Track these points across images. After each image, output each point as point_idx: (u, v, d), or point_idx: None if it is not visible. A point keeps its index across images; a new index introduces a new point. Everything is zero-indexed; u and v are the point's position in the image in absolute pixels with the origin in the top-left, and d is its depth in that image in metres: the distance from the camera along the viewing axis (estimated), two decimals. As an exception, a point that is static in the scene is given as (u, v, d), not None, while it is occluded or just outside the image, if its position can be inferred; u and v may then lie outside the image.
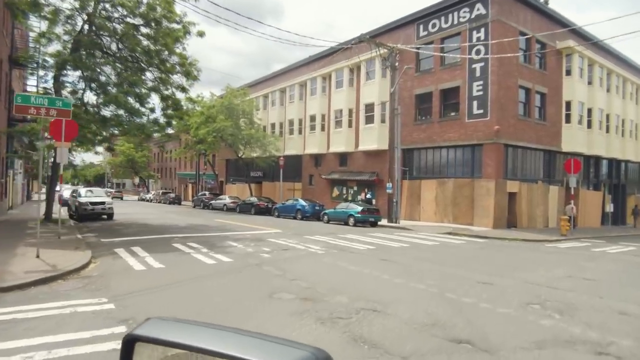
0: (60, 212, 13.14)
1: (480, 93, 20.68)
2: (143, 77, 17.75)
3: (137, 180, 73.28)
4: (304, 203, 25.16)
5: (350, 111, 28.17)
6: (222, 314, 5.51)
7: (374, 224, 20.85)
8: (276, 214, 26.67)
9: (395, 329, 4.96)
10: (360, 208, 20.94)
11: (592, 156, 25.86)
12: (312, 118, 31.49)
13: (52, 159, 17.52)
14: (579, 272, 9.21)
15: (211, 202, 34.89)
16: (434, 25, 23.21)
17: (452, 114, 22.37)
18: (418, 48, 23.44)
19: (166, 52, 17.18)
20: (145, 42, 16.82)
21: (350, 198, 27.42)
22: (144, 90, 17.41)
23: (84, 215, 19.92)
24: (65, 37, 16.34)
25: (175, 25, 16.74)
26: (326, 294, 6.55)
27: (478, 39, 20.84)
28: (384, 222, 21.25)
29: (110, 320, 5.13)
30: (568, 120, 23.86)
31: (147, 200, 51.50)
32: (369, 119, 26.27)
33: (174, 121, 20.30)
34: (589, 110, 24.98)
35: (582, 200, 24.32)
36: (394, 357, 4.12)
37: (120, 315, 5.32)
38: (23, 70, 25.47)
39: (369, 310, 5.65)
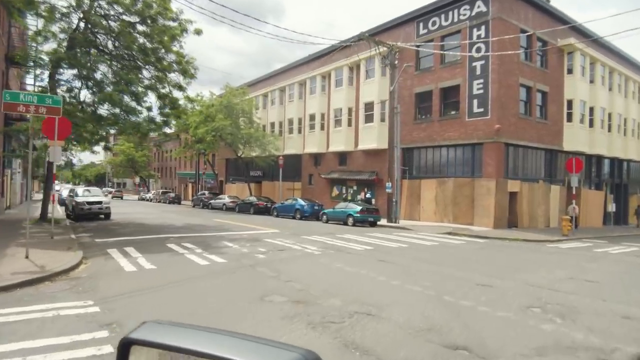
0: (54, 211, 12.96)
1: (481, 91, 20.46)
2: (140, 76, 17.58)
3: (137, 179, 73.20)
4: (303, 203, 24.97)
5: (349, 110, 27.95)
6: (209, 318, 5.31)
7: (373, 224, 20.64)
8: (275, 213, 26.49)
9: (389, 334, 4.76)
10: (359, 208, 20.74)
11: (594, 155, 25.60)
12: (312, 117, 31.28)
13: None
14: (581, 274, 8.99)
15: (210, 201, 34.74)
16: (434, 23, 22.98)
17: (453, 112, 22.15)
18: (418, 46, 23.22)
19: (163, 50, 17.00)
20: (141, 40, 16.63)
21: (349, 198, 27.22)
22: (140, 89, 17.23)
23: (80, 215, 19.75)
24: (62, 35, 16.18)
25: (171, 23, 16.55)
26: (320, 296, 6.35)
27: (478, 36, 20.60)
28: (383, 222, 21.04)
29: (93, 324, 4.95)
30: (570, 119, 23.60)
31: (147, 200, 51.45)
32: (369, 118, 26.06)
33: (172, 120, 20.11)
34: (591, 109, 24.72)
35: (583, 200, 24.07)
36: (386, 364, 3.92)
37: (105, 319, 5.13)
38: (21, 70, 25.32)
39: (362, 314, 5.45)
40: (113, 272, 8.11)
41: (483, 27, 20.44)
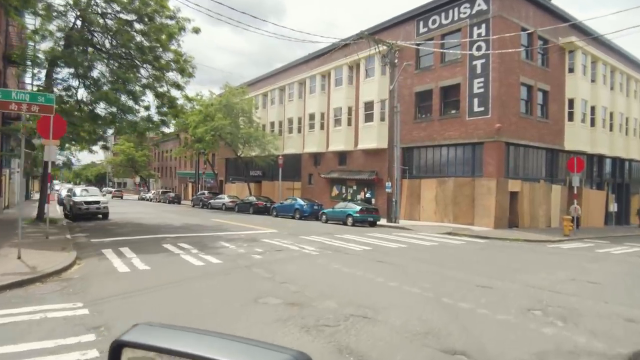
0: (48, 211, 12.82)
1: (481, 90, 20.28)
2: (138, 75, 17.43)
3: (137, 179, 73.14)
4: (302, 202, 24.82)
5: (349, 109, 27.79)
6: (199, 321, 5.16)
7: (372, 224, 20.48)
8: (274, 213, 26.35)
9: (385, 338, 4.60)
10: (358, 207, 20.58)
11: (596, 155, 25.42)
12: (312, 116, 31.12)
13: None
14: (583, 275, 8.82)
15: (210, 201, 34.62)
16: (434, 22, 22.81)
17: (453, 111, 21.97)
18: (418, 44, 23.04)
19: (160, 49, 16.85)
20: (138, 38, 16.48)
21: (349, 197, 27.06)
22: (137, 88, 17.08)
23: (78, 214, 19.63)
24: (59, 34, 16.05)
25: (168, 21, 16.40)
26: (315, 298, 6.19)
27: (479, 35, 20.42)
28: (383, 221, 20.88)
29: (80, 327, 4.80)
30: (571, 118, 23.41)
31: (147, 200, 51.38)
32: (369, 117, 25.90)
33: (171, 119, 19.96)
34: (592, 108, 24.53)
35: (585, 199, 23.89)
36: (381, 370, 3.77)
37: (93, 322, 4.98)
38: (18, 68, 25.20)
39: (358, 317, 5.30)
40: (106, 273, 7.97)
41: (483, 26, 20.26)
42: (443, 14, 22.33)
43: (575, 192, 18.79)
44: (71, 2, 15.62)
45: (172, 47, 17.11)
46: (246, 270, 8.36)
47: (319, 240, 13.67)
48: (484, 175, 20.02)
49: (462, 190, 20.85)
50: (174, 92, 18.18)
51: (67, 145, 20.20)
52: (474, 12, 20.80)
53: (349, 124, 27.78)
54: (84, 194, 21.30)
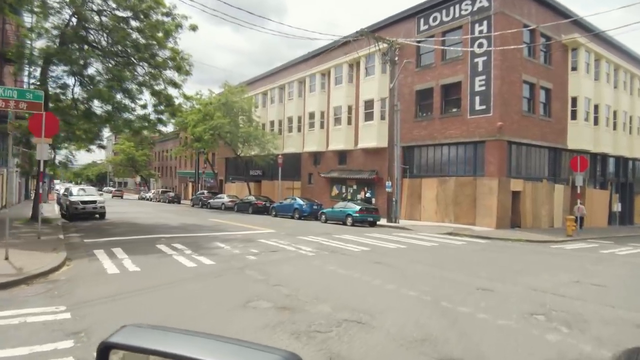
0: (41, 210, 12.61)
1: (483, 88, 19.99)
2: (135, 73, 17.21)
3: (138, 179, 73.02)
4: (301, 202, 24.57)
5: (349, 108, 27.52)
6: (183, 327, 4.91)
7: (372, 224, 20.22)
8: (274, 213, 26.11)
9: (379, 346, 4.35)
10: (358, 207, 20.32)
11: (599, 154, 25.10)
12: (311, 115, 30.87)
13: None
14: (587, 277, 8.55)
15: (209, 201, 34.43)
16: (435, 19, 22.52)
17: (454, 110, 21.68)
18: (419, 42, 22.75)
19: (156, 46, 16.62)
20: (134, 36, 16.26)
21: (349, 197, 26.80)
22: (133, 86, 16.86)
23: (74, 214, 19.42)
24: (54, 32, 15.84)
25: (165, 18, 16.18)
26: (308, 302, 5.95)
27: (480, 32, 20.13)
28: (383, 221, 20.62)
29: (58, 332, 4.56)
30: (574, 116, 23.09)
31: (147, 199, 51.24)
32: (369, 116, 25.63)
33: (169, 118, 19.73)
34: (596, 107, 24.21)
35: (588, 199, 23.56)
36: (373, 382, 3.51)
37: (73, 327, 4.74)
38: (16, 67, 25.01)
39: (352, 322, 5.05)
40: (94, 274, 7.74)
41: (485, 23, 19.97)
42: (444, 11, 22.04)
43: (579, 191, 18.50)
44: (67, 0, 15.42)
45: (169, 45, 16.90)
46: (239, 272, 8.11)
47: (316, 240, 13.42)
48: (486, 175, 19.73)
49: (463, 189, 20.57)
50: (171, 91, 17.97)
51: (64, 144, 20.05)
52: (475, 8, 20.51)
53: (349, 122, 27.52)
54: (80, 193, 21.10)
